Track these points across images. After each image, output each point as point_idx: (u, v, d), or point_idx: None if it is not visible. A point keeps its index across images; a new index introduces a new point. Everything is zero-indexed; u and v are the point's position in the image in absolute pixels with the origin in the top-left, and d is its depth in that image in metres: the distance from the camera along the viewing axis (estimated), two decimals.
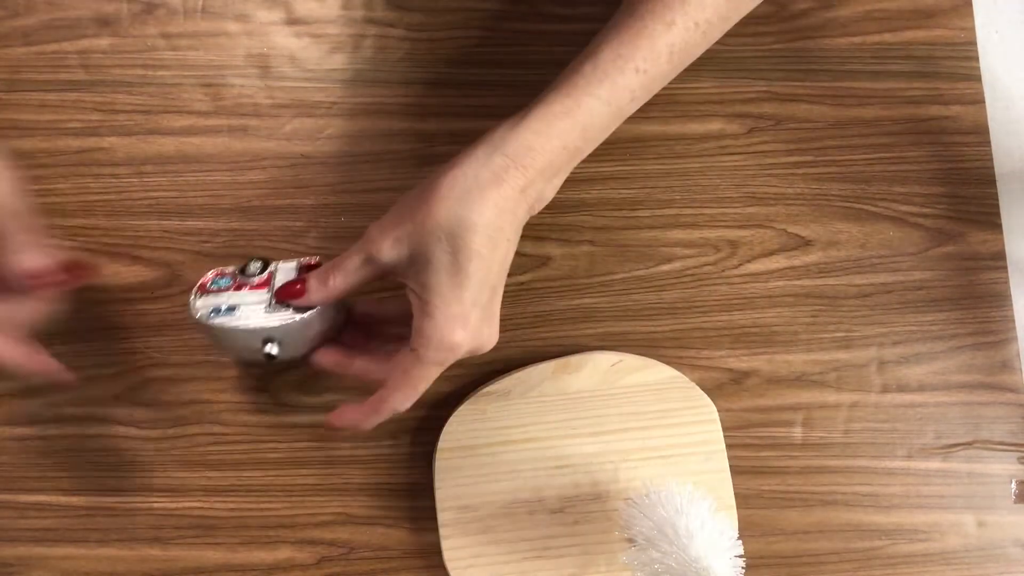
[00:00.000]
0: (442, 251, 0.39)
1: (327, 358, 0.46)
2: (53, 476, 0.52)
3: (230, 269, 0.47)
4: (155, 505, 0.52)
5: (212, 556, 0.52)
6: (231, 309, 0.44)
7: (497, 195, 0.40)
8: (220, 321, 0.44)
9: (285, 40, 0.55)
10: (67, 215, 0.53)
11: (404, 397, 0.42)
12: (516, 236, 0.41)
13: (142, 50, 0.55)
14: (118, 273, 0.53)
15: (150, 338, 0.53)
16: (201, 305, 0.45)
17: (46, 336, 0.52)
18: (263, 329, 0.44)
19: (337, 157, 0.54)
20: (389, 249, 0.41)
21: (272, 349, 0.45)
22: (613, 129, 0.43)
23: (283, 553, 0.52)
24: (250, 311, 0.44)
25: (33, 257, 0.41)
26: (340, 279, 0.42)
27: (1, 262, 0.41)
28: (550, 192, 0.43)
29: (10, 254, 0.41)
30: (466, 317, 0.40)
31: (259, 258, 0.46)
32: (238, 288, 0.45)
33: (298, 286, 0.43)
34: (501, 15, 0.56)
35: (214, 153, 0.54)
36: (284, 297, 0.44)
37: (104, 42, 0.55)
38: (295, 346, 0.46)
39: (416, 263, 0.40)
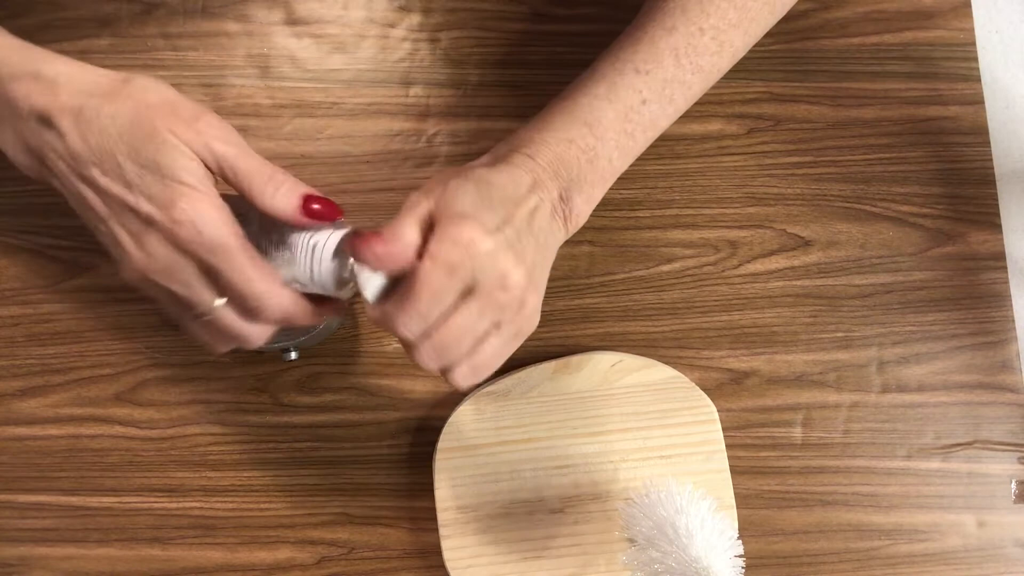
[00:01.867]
0: (460, 191, 0.38)
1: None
2: (53, 476, 0.52)
3: None
4: (155, 505, 0.52)
5: (212, 556, 0.52)
6: None
7: (507, 169, 0.39)
8: None
9: (285, 40, 0.55)
10: (67, 215, 0.53)
11: (409, 300, 0.36)
12: (539, 225, 0.39)
13: (142, 50, 0.55)
14: (118, 273, 0.53)
15: (150, 338, 0.53)
16: None
17: (46, 337, 0.52)
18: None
19: (337, 157, 0.54)
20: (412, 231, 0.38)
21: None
22: (639, 135, 0.43)
23: (283, 553, 0.52)
24: None
25: (288, 192, 0.37)
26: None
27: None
28: (581, 202, 0.41)
29: (260, 193, 0.37)
30: (482, 223, 0.36)
31: None
32: None
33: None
34: (501, 15, 0.56)
35: None
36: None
37: (104, 42, 0.55)
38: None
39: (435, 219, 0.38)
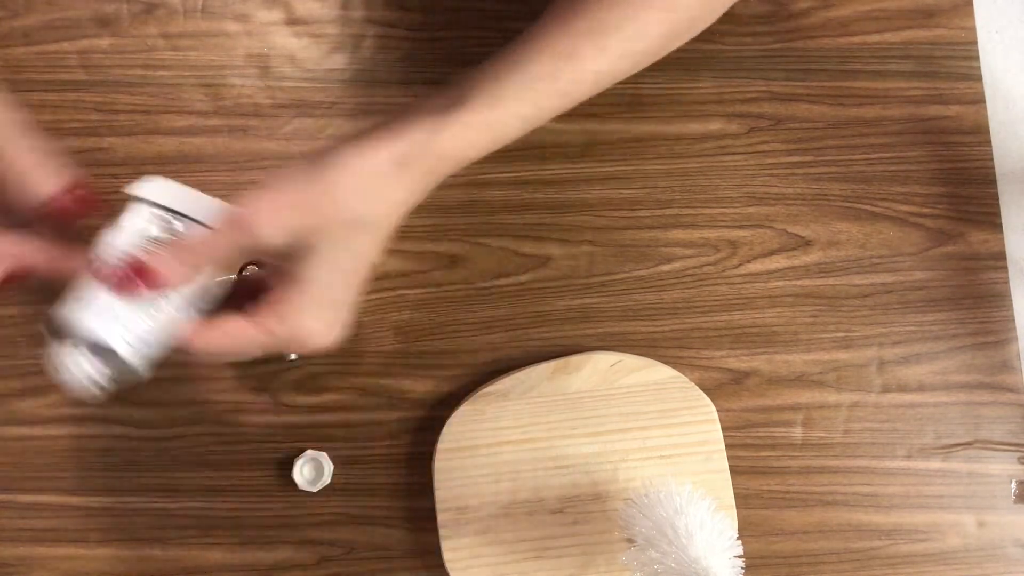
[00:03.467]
0: (340, 251, 0.37)
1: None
2: (53, 476, 0.52)
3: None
4: (155, 505, 0.52)
5: (212, 556, 0.52)
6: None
7: (398, 195, 0.38)
8: None
9: (285, 40, 0.55)
10: None
11: (230, 351, 0.38)
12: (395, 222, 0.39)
13: (142, 50, 0.55)
14: None
15: None
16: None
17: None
18: None
19: None
20: (276, 236, 0.36)
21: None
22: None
23: (283, 553, 0.52)
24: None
25: (43, 180, 0.37)
26: (205, 262, 0.37)
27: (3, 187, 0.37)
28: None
29: (15, 178, 0.37)
30: (333, 323, 0.38)
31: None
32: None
33: (152, 273, 0.37)
34: (501, 15, 0.56)
35: (214, 153, 0.54)
36: (136, 283, 0.36)
37: (104, 42, 0.55)
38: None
39: (305, 251, 0.36)
